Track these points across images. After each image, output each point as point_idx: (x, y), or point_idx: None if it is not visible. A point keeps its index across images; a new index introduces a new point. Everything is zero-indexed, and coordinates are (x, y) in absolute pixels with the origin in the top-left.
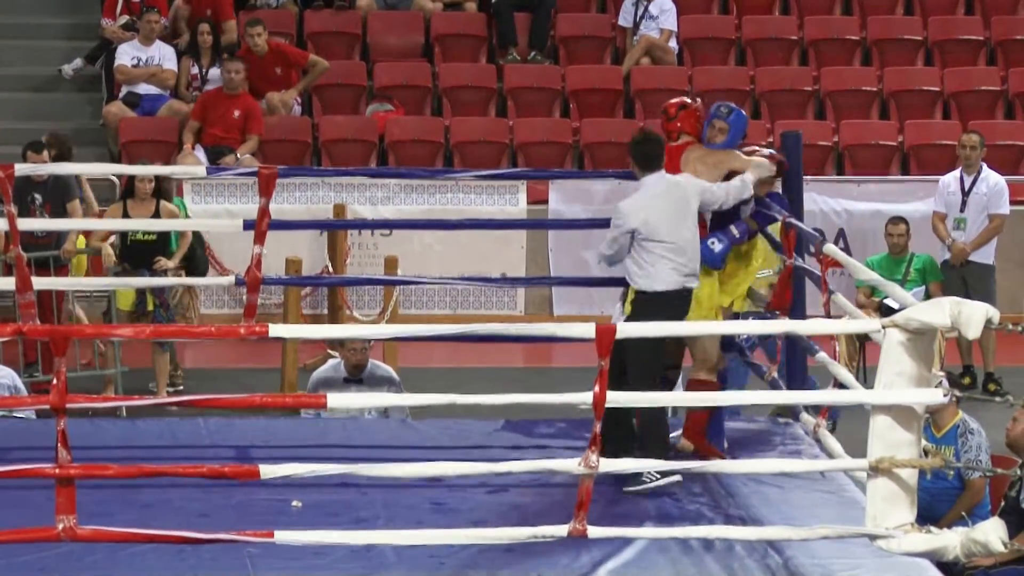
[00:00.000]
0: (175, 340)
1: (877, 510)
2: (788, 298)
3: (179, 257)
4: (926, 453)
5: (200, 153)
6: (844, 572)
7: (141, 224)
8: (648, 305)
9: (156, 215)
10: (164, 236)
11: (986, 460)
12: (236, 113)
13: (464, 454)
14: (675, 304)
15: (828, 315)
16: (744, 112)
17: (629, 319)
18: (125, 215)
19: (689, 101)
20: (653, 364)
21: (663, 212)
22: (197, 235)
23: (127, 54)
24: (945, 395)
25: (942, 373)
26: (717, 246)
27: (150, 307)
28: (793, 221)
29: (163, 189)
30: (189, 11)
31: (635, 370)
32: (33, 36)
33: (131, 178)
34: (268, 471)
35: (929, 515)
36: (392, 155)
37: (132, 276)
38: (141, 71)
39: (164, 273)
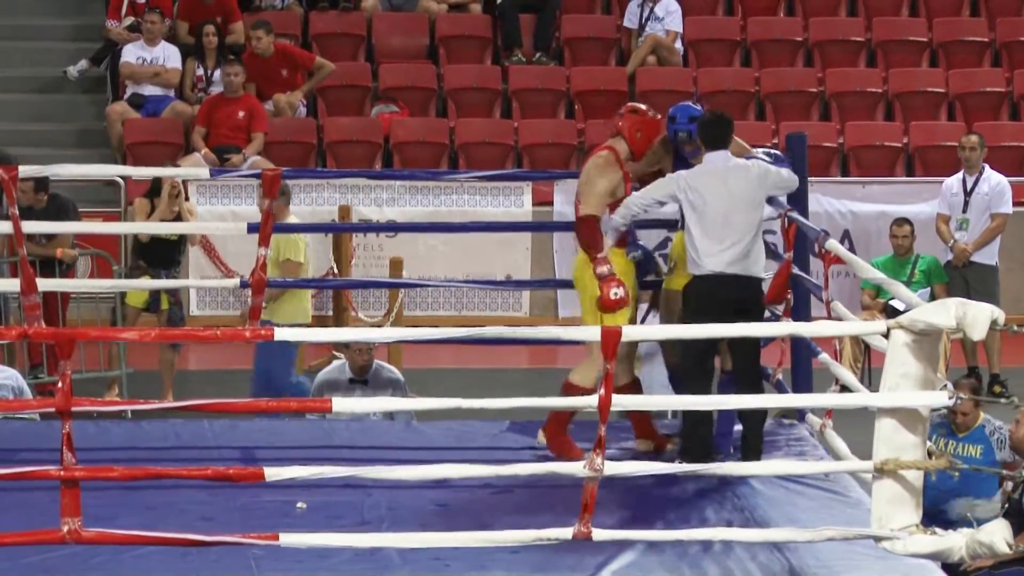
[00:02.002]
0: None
1: (882, 512)
2: (784, 292)
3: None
4: (931, 454)
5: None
6: (849, 574)
7: (145, 227)
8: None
9: (179, 215)
10: (183, 236)
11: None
12: (240, 114)
13: (469, 456)
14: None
15: (829, 314)
16: (698, 111)
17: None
18: (153, 210)
19: (643, 108)
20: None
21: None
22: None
23: (132, 54)
24: (950, 398)
25: (959, 379)
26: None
27: (164, 305)
28: (795, 216)
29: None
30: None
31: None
32: (38, 38)
33: (158, 177)
34: (273, 473)
35: (935, 516)
36: (397, 156)
37: (149, 275)
38: (146, 69)
39: (178, 272)
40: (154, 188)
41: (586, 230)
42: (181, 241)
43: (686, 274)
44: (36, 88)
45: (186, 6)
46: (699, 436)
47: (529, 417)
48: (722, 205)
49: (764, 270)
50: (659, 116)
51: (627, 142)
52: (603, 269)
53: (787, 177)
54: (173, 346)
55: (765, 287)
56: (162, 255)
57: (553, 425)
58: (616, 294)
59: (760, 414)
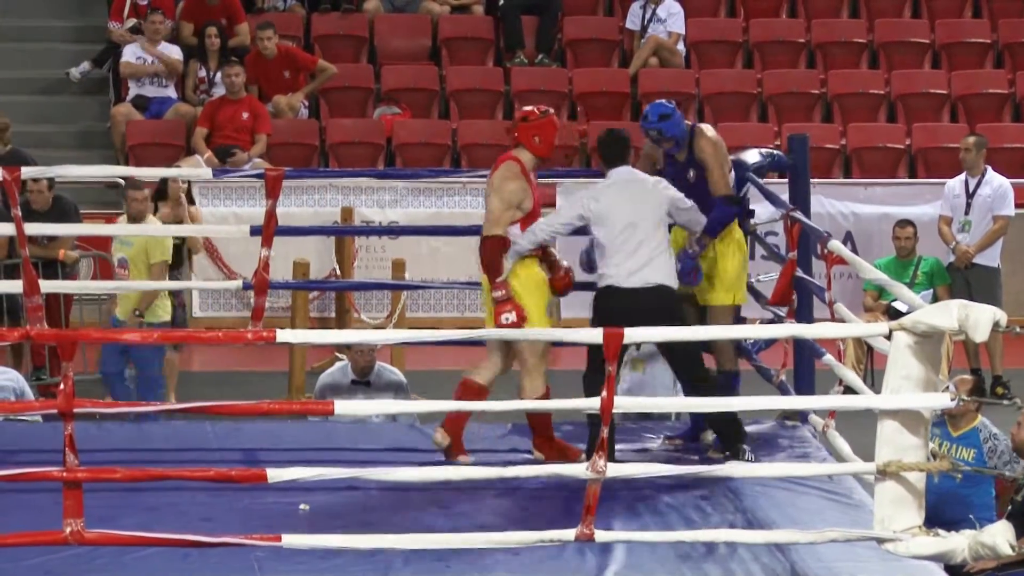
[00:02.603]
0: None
1: (885, 513)
2: (789, 294)
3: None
4: (934, 456)
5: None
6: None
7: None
8: None
9: (180, 218)
10: (184, 238)
11: (1013, 462)
12: (244, 115)
13: (472, 457)
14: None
15: (832, 315)
16: (668, 107)
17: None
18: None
19: (533, 111)
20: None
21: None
22: None
23: (132, 54)
24: (952, 399)
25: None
26: (685, 268)
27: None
28: (798, 216)
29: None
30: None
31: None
32: (40, 39)
33: (163, 180)
34: (275, 475)
35: (937, 518)
36: (399, 158)
37: None
38: (146, 67)
39: (182, 275)
40: (158, 192)
41: (488, 251)
42: (184, 245)
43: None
44: (38, 90)
45: (189, 7)
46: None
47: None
48: (625, 219)
49: (674, 280)
50: (551, 112)
51: (528, 150)
52: (498, 293)
53: (690, 205)
54: (175, 347)
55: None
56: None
57: (450, 424)
58: (507, 319)
59: (726, 416)
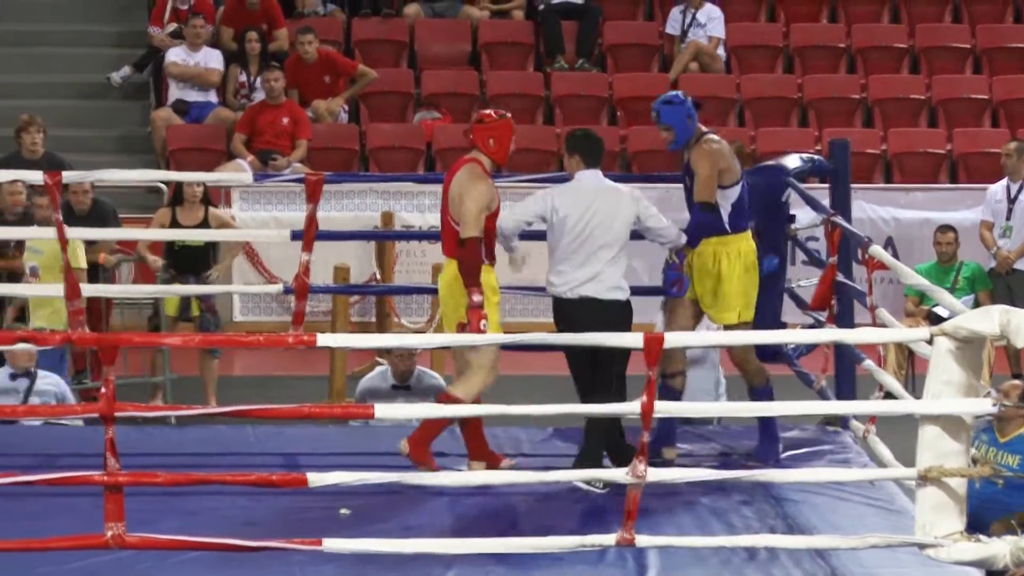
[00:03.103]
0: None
1: (926, 519)
2: (829, 298)
3: (227, 264)
4: (975, 461)
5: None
6: None
7: (190, 233)
8: None
9: (205, 222)
10: (209, 242)
11: None
12: (284, 120)
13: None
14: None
15: (874, 320)
16: (679, 97)
17: None
18: (174, 221)
19: (489, 113)
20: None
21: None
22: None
23: (176, 55)
24: (994, 404)
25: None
26: (670, 279)
27: (195, 312)
28: (839, 221)
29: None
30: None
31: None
32: (81, 44)
33: (179, 185)
34: (316, 479)
35: (979, 523)
36: (439, 162)
37: (179, 282)
38: (190, 70)
39: (208, 278)
40: (176, 197)
41: (471, 254)
42: (209, 248)
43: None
44: (79, 94)
45: (230, 12)
46: (598, 444)
47: (571, 423)
48: (581, 226)
49: (624, 293)
50: (507, 115)
51: (483, 152)
52: (478, 298)
53: (661, 221)
54: (211, 352)
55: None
56: (191, 262)
57: (420, 434)
58: (486, 325)
59: (602, 425)
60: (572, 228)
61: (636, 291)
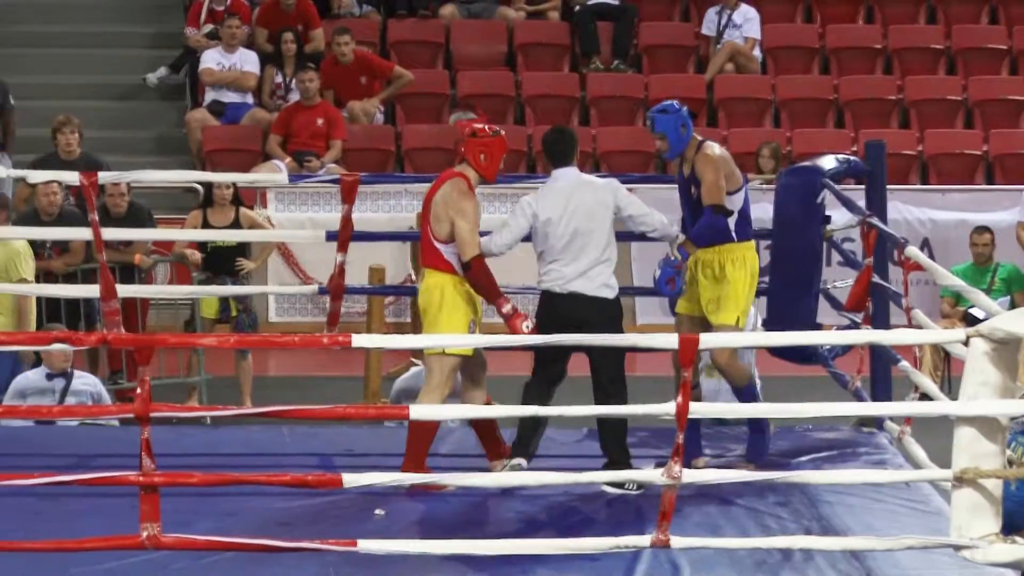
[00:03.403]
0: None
1: (962, 520)
2: (864, 300)
3: (261, 262)
4: (1011, 463)
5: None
6: None
7: (226, 234)
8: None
9: (236, 222)
10: (242, 243)
11: None
12: (319, 121)
13: (546, 463)
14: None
15: (909, 321)
16: (673, 106)
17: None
18: (205, 223)
19: (483, 128)
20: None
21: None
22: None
23: (211, 60)
24: None
25: None
26: (664, 275)
27: (234, 312)
28: (875, 221)
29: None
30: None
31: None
32: (117, 45)
33: (209, 186)
34: (351, 480)
35: (1014, 525)
36: None
37: (216, 283)
38: (226, 74)
39: (247, 277)
40: (206, 199)
41: (480, 273)
42: (240, 248)
43: None
44: (115, 95)
45: (265, 13)
46: (621, 442)
47: None
48: (564, 223)
49: (612, 291)
50: (501, 132)
51: (473, 167)
52: (507, 308)
53: (643, 208)
54: (242, 353)
55: (612, 307)
56: (224, 263)
57: (409, 455)
58: (527, 327)
59: (619, 428)
60: (556, 229)
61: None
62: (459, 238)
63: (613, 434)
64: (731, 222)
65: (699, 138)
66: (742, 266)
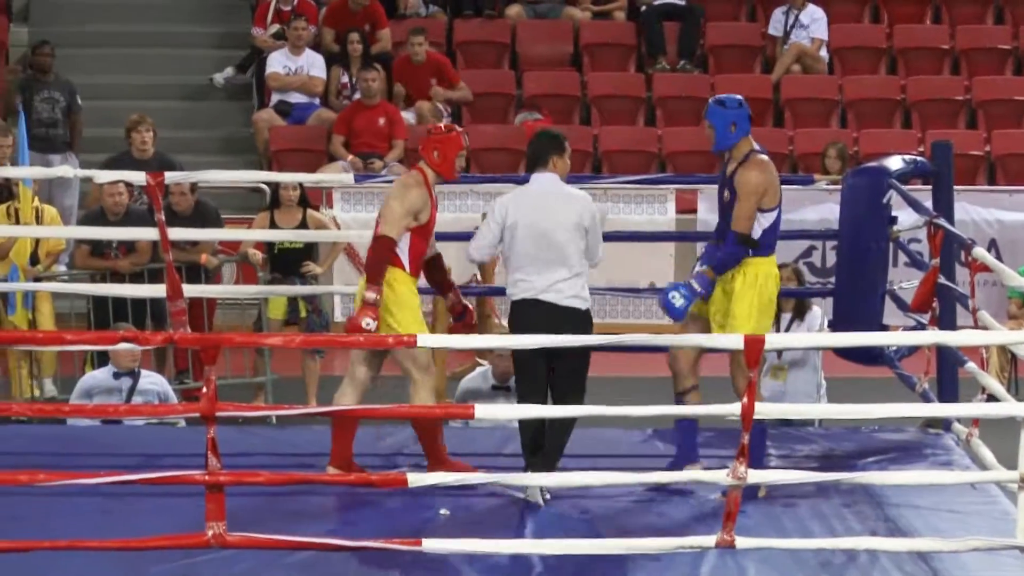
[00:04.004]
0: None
1: None
2: (931, 301)
3: (328, 265)
4: None
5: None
6: None
7: (292, 235)
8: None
9: (303, 223)
10: (310, 243)
11: None
12: (381, 121)
13: (611, 463)
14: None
15: (976, 323)
16: (732, 101)
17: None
18: (272, 224)
19: (441, 126)
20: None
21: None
22: None
23: (278, 63)
24: None
25: None
26: (679, 300)
27: (303, 314)
28: (941, 222)
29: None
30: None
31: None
32: (185, 45)
33: (276, 187)
34: (416, 479)
35: None
36: None
37: (284, 284)
38: (292, 79)
39: (314, 279)
40: (273, 200)
41: (379, 250)
42: (307, 249)
43: None
44: (182, 95)
45: (333, 13)
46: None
47: (671, 425)
48: (537, 230)
49: (584, 303)
50: (458, 130)
51: (428, 165)
52: (372, 296)
53: (598, 236)
54: (314, 353)
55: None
56: (292, 264)
57: (336, 450)
58: (368, 324)
59: (567, 425)
60: (522, 234)
61: None
62: (382, 213)
63: (558, 442)
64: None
65: (754, 146)
66: (752, 283)
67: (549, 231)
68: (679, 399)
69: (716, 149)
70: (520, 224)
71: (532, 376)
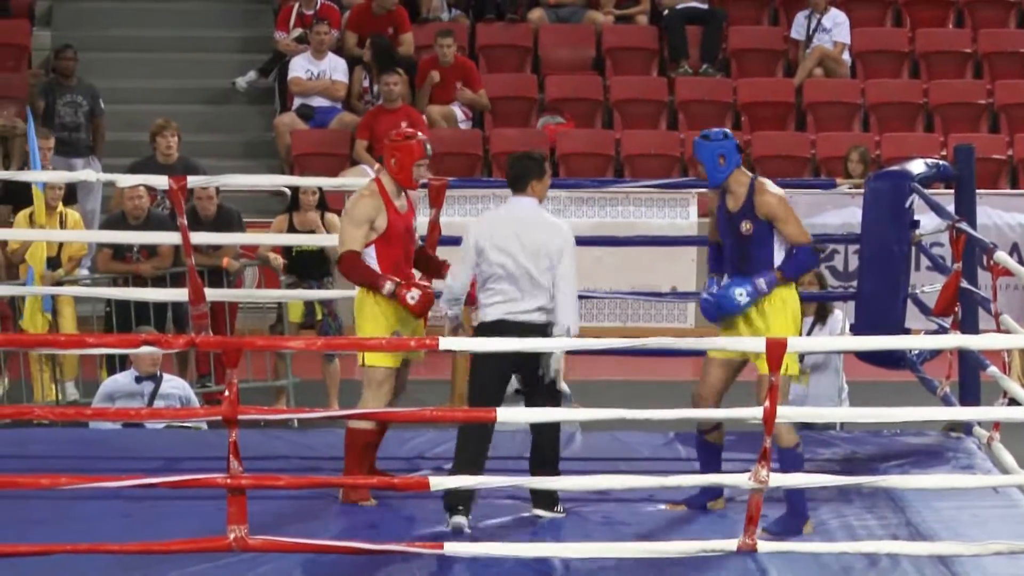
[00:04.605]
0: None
1: None
2: (953, 305)
3: None
4: None
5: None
6: None
7: (311, 238)
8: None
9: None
10: (328, 246)
11: None
12: (403, 124)
13: (632, 467)
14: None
15: (998, 326)
16: (717, 134)
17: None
18: (291, 227)
19: (400, 133)
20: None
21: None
22: None
23: (300, 67)
24: None
25: None
26: (744, 299)
27: (319, 316)
28: (963, 226)
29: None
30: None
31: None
32: (208, 49)
33: (295, 191)
34: (437, 483)
35: None
36: (563, 168)
37: (301, 288)
38: (315, 84)
39: (331, 283)
40: (292, 203)
41: (346, 265)
42: (324, 252)
43: None
44: (205, 99)
45: (356, 17)
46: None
47: (693, 429)
48: (510, 255)
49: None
50: (418, 138)
51: (388, 172)
52: (388, 287)
53: (570, 269)
54: (329, 357)
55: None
56: (309, 267)
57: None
58: (412, 297)
59: (553, 429)
60: (492, 257)
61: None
62: (340, 236)
63: (547, 455)
64: (777, 261)
65: (750, 175)
66: (782, 310)
67: (523, 260)
68: (703, 437)
69: (711, 184)
70: (489, 248)
71: (487, 399)
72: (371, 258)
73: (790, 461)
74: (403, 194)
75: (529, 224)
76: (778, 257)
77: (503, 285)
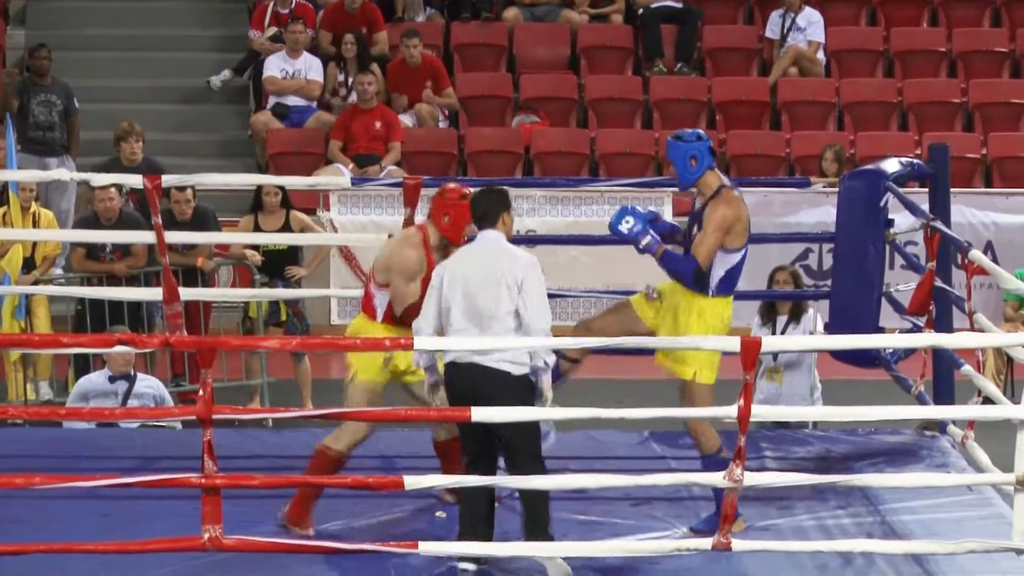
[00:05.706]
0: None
1: None
2: (928, 304)
3: (313, 268)
4: None
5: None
6: None
7: (284, 238)
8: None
9: (286, 225)
10: (294, 246)
11: None
12: (377, 124)
13: (608, 466)
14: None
15: (972, 325)
16: (690, 135)
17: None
18: (257, 227)
19: (454, 189)
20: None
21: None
22: None
23: (275, 66)
24: None
25: None
26: (625, 227)
27: (283, 317)
28: (938, 225)
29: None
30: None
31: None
32: (182, 48)
33: (258, 190)
34: (412, 482)
35: None
36: (538, 166)
37: (268, 286)
38: (290, 83)
39: (297, 283)
40: (256, 203)
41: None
42: (293, 252)
43: None
44: (179, 98)
45: (329, 16)
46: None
47: (668, 427)
48: (470, 289)
49: (521, 368)
50: (470, 195)
51: (435, 227)
52: (429, 379)
53: (537, 300)
54: (298, 356)
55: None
56: (277, 266)
57: (298, 505)
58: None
59: (542, 497)
60: (454, 294)
61: (736, 295)
62: (393, 294)
63: (537, 510)
64: (714, 278)
65: (724, 181)
66: (703, 322)
67: (480, 293)
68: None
69: (681, 187)
70: (452, 284)
71: (473, 444)
72: (381, 301)
73: (713, 465)
74: (445, 249)
75: (491, 255)
76: (718, 272)
77: (463, 322)
